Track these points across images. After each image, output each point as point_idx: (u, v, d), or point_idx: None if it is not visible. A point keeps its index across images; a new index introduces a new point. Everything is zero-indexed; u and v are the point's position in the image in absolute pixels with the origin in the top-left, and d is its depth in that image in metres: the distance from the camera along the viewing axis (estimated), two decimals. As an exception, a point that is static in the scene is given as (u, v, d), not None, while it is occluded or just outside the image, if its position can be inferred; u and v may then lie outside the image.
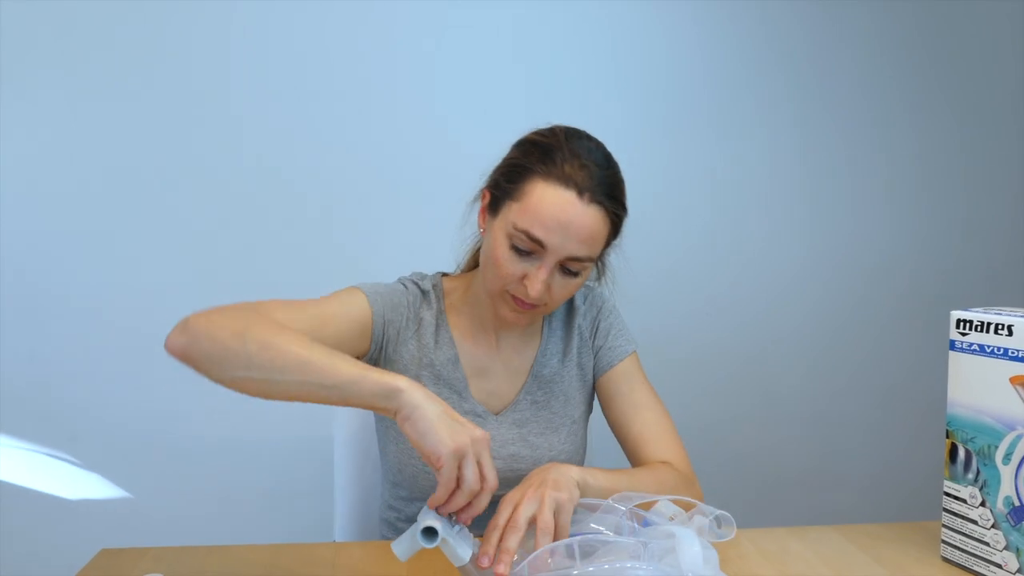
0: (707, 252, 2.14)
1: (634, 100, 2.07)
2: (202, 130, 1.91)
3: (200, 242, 1.93)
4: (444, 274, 1.22)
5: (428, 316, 1.13)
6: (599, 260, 1.11)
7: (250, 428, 1.95)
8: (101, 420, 1.91)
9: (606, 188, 1.00)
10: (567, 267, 1.01)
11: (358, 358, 1.09)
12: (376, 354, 1.11)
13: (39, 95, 1.85)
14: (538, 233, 0.98)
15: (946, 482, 1.00)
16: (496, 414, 1.14)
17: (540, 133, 1.05)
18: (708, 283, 2.15)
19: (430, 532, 0.78)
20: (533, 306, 1.04)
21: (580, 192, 0.98)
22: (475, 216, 1.11)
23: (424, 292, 1.15)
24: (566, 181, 0.98)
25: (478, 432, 0.79)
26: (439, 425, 0.77)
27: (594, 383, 1.21)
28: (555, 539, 0.81)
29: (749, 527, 1.11)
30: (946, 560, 1.01)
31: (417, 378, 1.11)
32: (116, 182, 1.89)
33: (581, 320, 1.20)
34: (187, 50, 1.89)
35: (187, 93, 1.90)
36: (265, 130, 1.93)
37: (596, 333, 1.20)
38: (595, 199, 0.99)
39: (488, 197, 1.07)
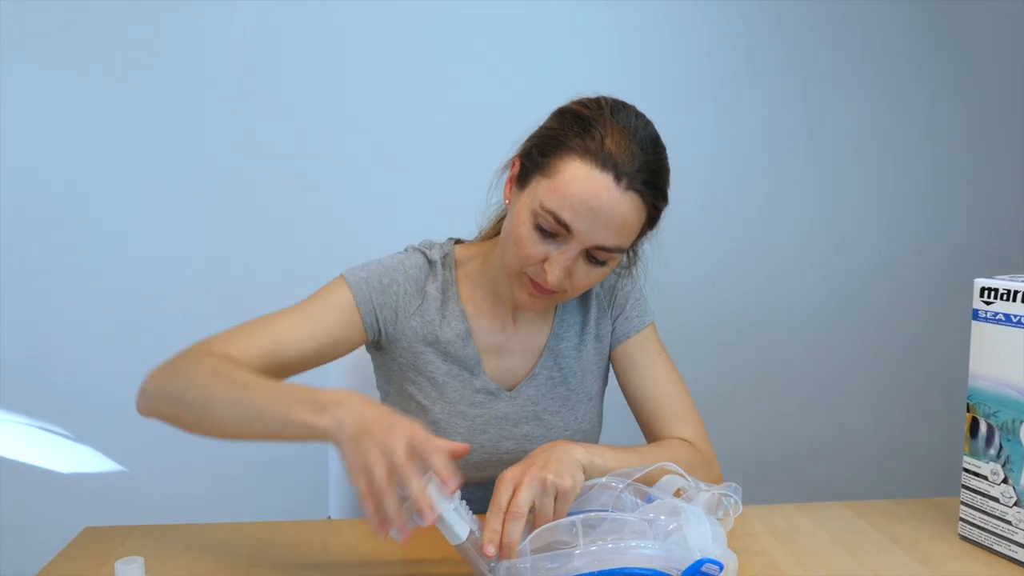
0: (705, 221, 2.09)
1: (634, 72, 2.01)
2: (198, 111, 1.85)
3: (193, 218, 1.88)
4: (458, 241, 1.14)
5: (433, 289, 1.05)
6: (631, 250, 1.04)
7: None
8: (93, 394, 1.88)
9: (648, 175, 0.90)
10: (593, 255, 0.93)
11: (365, 344, 1.06)
12: (376, 338, 1.05)
13: (34, 72, 1.79)
14: (566, 216, 0.89)
15: (966, 458, 0.96)
16: (509, 390, 1.08)
17: (583, 103, 0.94)
18: (707, 254, 2.10)
19: None
20: (551, 292, 0.96)
21: (618, 176, 0.88)
22: (503, 183, 1.02)
23: (431, 263, 1.07)
24: (604, 162, 0.88)
25: (388, 436, 0.69)
26: (350, 455, 0.70)
27: (609, 354, 1.14)
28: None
29: (751, 503, 1.07)
30: (964, 538, 0.97)
31: (422, 355, 1.05)
32: (111, 159, 1.84)
33: (599, 288, 1.13)
34: (188, 30, 1.82)
35: (184, 76, 1.84)
36: (264, 112, 1.87)
37: (614, 302, 1.13)
38: (634, 186, 0.89)
39: (518, 166, 0.97)
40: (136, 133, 1.84)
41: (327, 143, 1.90)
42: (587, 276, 0.95)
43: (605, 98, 0.95)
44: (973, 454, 0.95)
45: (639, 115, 0.95)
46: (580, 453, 0.85)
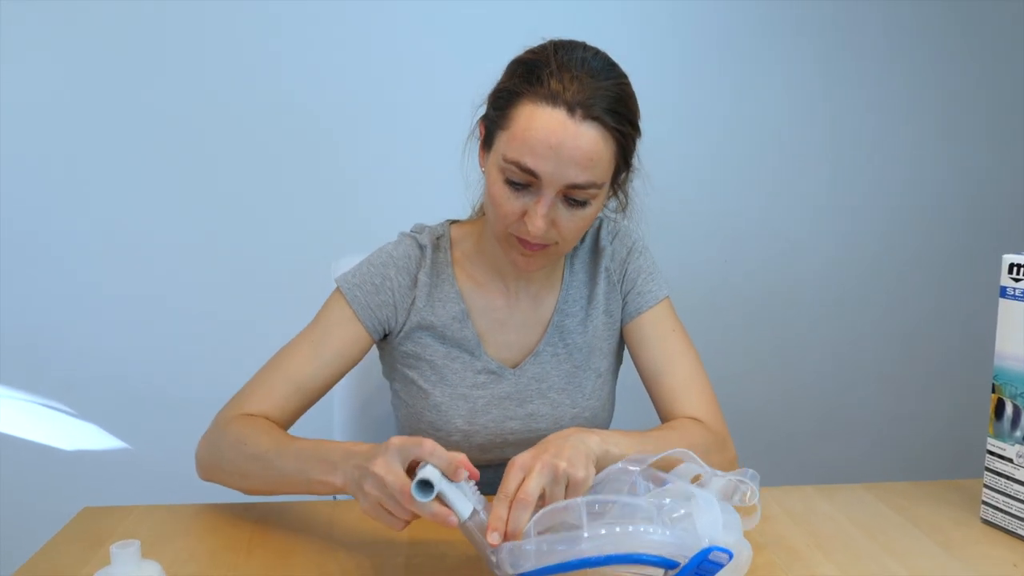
0: (720, 191, 2.04)
1: (649, 32, 1.95)
2: (196, 86, 1.81)
3: (191, 194, 1.85)
4: (454, 221, 1.11)
5: (423, 276, 1.03)
6: (617, 189, 1.00)
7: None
8: (96, 370, 1.86)
9: (604, 102, 0.87)
10: (571, 197, 0.90)
11: (377, 344, 1.07)
12: (382, 338, 1.05)
13: (33, 49, 1.75)
14: (528, 162, 0.87)
15: (990, 440, 0.93)
16: (513, 368, 1.05)
17: (530, 50, 0.93)
18: (721, 225, 2.05)
19: (425, 486, 0.70)
20: (543, 247, 0.93)
21: (570, 109, 0.86)
22: (476, 154, 1.00)
23: (422, 247, 1.05)
24: (553, 99, 0.86)
25: (371, 463, 0.74)
26: (361, 501, 0.77)
27: (621, 330, 1.10)
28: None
29: (764, 483, 1.05)
30: (986, 522, 0.94)
31: (420, 340, 1.04)
32: (114, 129, 1.80)
33: (609, 262, 1.09)
34: (188, 9, 1.78)
35: (183, 52, 1.80)
36: (264, 85, 1.83)
37: (625, 276, 1.09)
38: (590, 115, 0.86)
39: (483, 130, 0.96)
40: (137, 112, 1.80)
41: (327, 117, 1.86)
42: (572, 221, 0.92)
43: (552, 40, 0.93)
44: (998, 436, 0.92)
45: (588, 48, 0.92)
46: (595, 442, 0.81)
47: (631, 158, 0.96)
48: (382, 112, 1.88)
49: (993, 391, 0.92)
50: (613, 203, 1.05)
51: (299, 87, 1.84)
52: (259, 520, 0.94)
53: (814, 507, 0.98)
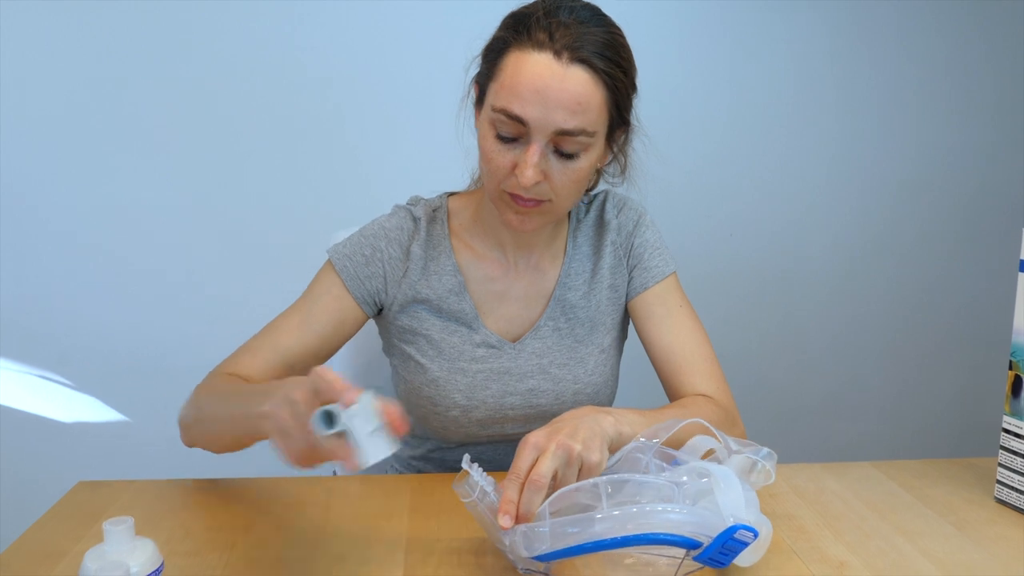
0: (724, 168, 2.00)
1: (649, 7, 1.90)
2: (197, 52, 1.78)
3: (191, 163, 1.82)
4: (452, 193, 1.09)
5: (416, 248, 1.01)
6: (615, 149, 0.97)
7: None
8: (93, 342, 1.84)
9: (593, 46, 0.85)
10: (561, 149, 0.87)
11: (375, 320, 1.06)
12: (375, 310, 1.04)
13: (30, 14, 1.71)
14: (516, 108, 0.85)
15: (1006, 418, 0.91)
16: (513, 342, 1.03)
17: (524, 5, 0.92)
18: (725, 202, 2.02)
19: (329, 419, 0.64)
20: (537, 203, 0.90)
21: (556, 52, 0.84)
22: (472, 120, 0.98)
23: (416, 220, 1.03)
24: (539, 44, 0.85)
25: (293, 389, 0.67)
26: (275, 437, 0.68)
27: (627, 305, 1.08)
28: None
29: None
30: (1000, 501, 0.92)
31: (416, 314, 1.02)
32: (108, 102, 1.77)
33: (615, 236, 1.06)
34: None
35: (183, 24, 1.76)
36: (264, 47, 1.79)
37: (632, 250, 1.06)
38: (576, 57, 0.84)
39: (477, 89, 0.95)
40: (131, 87, 1.77)
41: (326, 89, 1.83)
42: (564, 174, 0.89)
43: None
44: (1015, 414, 0.90)
45: (580, 0, 0.91)
46: (609, 423, 0.79)
47: (626, 112, 0.93)
48: (382, 82, 1.84)
49: (1010, 368, 0.90)
50: (615, 169, 1.02)
51: (295, 59, 1.81)
52: (256, 497, 0.92)
53: (823, 485, 0.96)
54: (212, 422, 0.88)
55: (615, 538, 0.64)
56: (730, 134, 1.99)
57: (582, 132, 0.86)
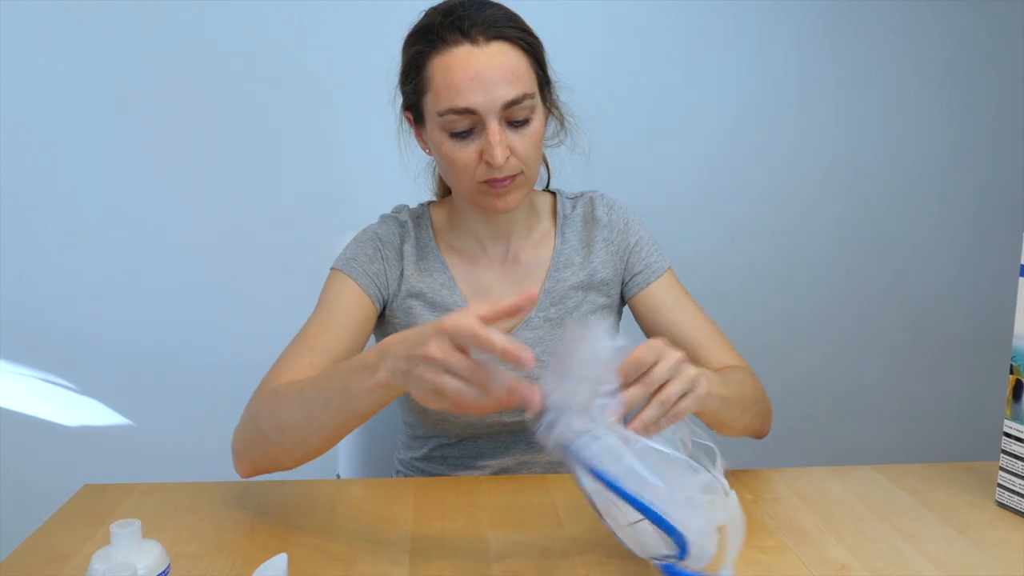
0: (725, 171, 2.00)
1: (649, 7, 1.90)
2: (196, 51, 1.78)
3: (196, 165, 1.83)
4: (432, 202, 1.14)
5: (409, 247, 1.07)
6: (548, 106, 1.01)
7: (253, 358, 1.87)
8: (97, 346, 1.85)
9: (498, 21, 0.93)
10: (513, 118, 0.93)
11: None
12: (382, 306, 1.07)
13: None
14: (461, 102, 0.90)
15: (1007, 422, 0.91)
16: (505, 335, 1.04)
17: (415, 24, 0.98)
18: (727, 205, 2.02)
19: None
20: (510, 178, 0.95)
21: (472, 39, 0.91)
22: (415, 144, 1.05)
23: (402, 224, 1.09)
24: (453, 41, 0.91)
25: (423, 348, 0.69)
26: (414, 390, 0.71)
27: (623, 302, 1.13)
28: (656, 429, 0.71)
29: (777, 464, 1.04)
30: (1002, 505, 0.92)
31: (411, 309, 1.06)
32: (109, 102, 1.78)
33: (608, 232, 1.10)
34: None
35: (186, 10, 1.76)
36: (264, 54, 1.80)
37: (628, 247, 1.10)
38: (492, 35, 0.92)
39: (409, 115, 1.02)
40: (137, 91, 1.78)
41: (330, 99, 1.83)
42: (524, 140, 0.95)
43: (433, 7, 0.98)
44: (1016, 418, 0.90)
45: None
46: (709, 383, 0.77)
47: (546, 68, 0.99)
48: (384, 84, 1.85)
49: (1011, 372, 0.90)
50: (556, 127, 1.06)
51: (297, 60, 1.81)
52: (262, 499, 0.92)
53: (825, 489, 0.96)
54: (292, 426, 0.85)
55: (623, 491, 0.65)
56: (730, 134, 1.99)
57: (525, 96, 0.92)
